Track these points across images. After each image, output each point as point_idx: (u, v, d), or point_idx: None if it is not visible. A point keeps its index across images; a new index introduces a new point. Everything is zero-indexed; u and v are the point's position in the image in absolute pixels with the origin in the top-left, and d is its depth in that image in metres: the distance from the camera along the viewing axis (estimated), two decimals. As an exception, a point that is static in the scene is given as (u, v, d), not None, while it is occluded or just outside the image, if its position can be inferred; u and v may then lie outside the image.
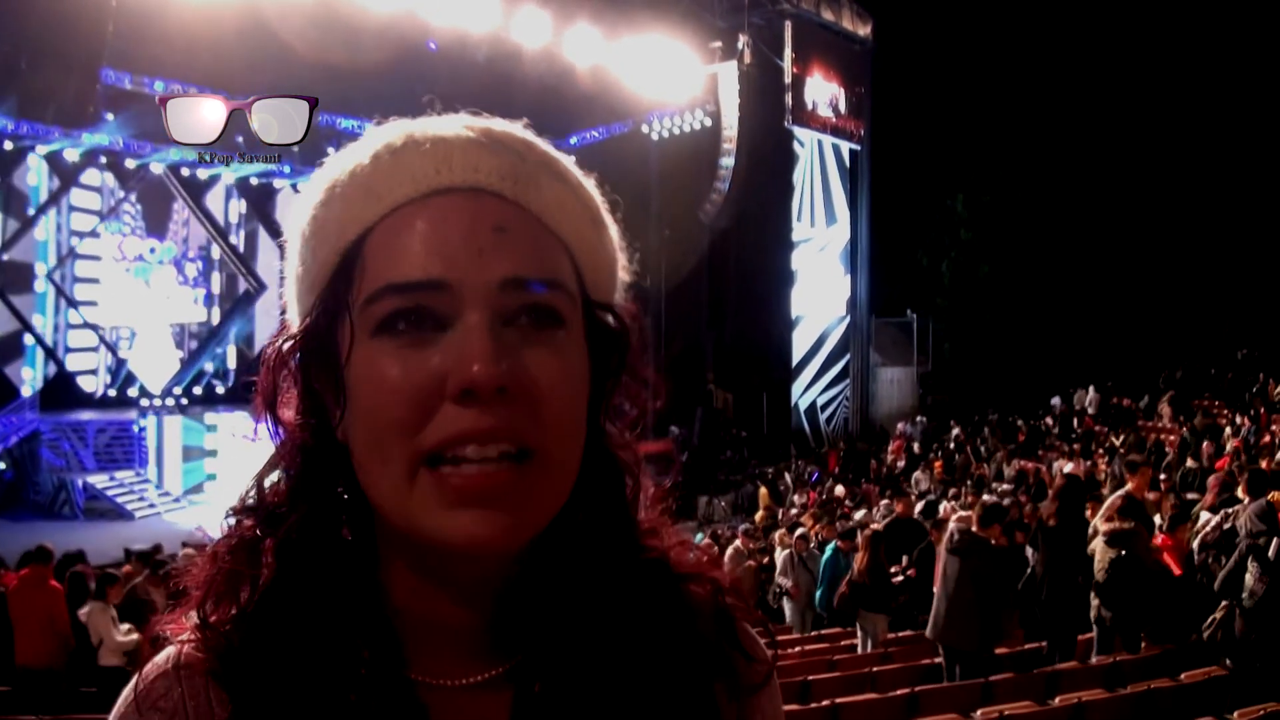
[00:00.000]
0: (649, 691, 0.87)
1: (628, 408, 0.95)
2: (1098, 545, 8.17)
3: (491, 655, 0.87)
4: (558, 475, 0.82)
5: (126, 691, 0.84)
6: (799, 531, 12.71)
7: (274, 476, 0.89)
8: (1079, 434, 23.45)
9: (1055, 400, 27.52)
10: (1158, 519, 9.39)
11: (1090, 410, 25.88)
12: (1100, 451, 20.85)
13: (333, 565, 0.85)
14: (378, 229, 0.82)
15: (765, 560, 13.61)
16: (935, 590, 8.23)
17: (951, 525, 8.50)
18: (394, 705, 0.83)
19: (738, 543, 13.53)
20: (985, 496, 10.64)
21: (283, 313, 0.90)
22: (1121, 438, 21.22)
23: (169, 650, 0.85)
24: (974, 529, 8.00)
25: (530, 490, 0.79)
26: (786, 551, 12.37)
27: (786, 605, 12.36)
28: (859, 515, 15.98)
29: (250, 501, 0.89)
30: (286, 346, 0.86)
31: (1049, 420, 26.34)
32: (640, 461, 0.95)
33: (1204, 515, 8.75)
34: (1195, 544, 8.52)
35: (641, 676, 0.87)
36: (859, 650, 10.19)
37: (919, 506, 13.67)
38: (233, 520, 0.89)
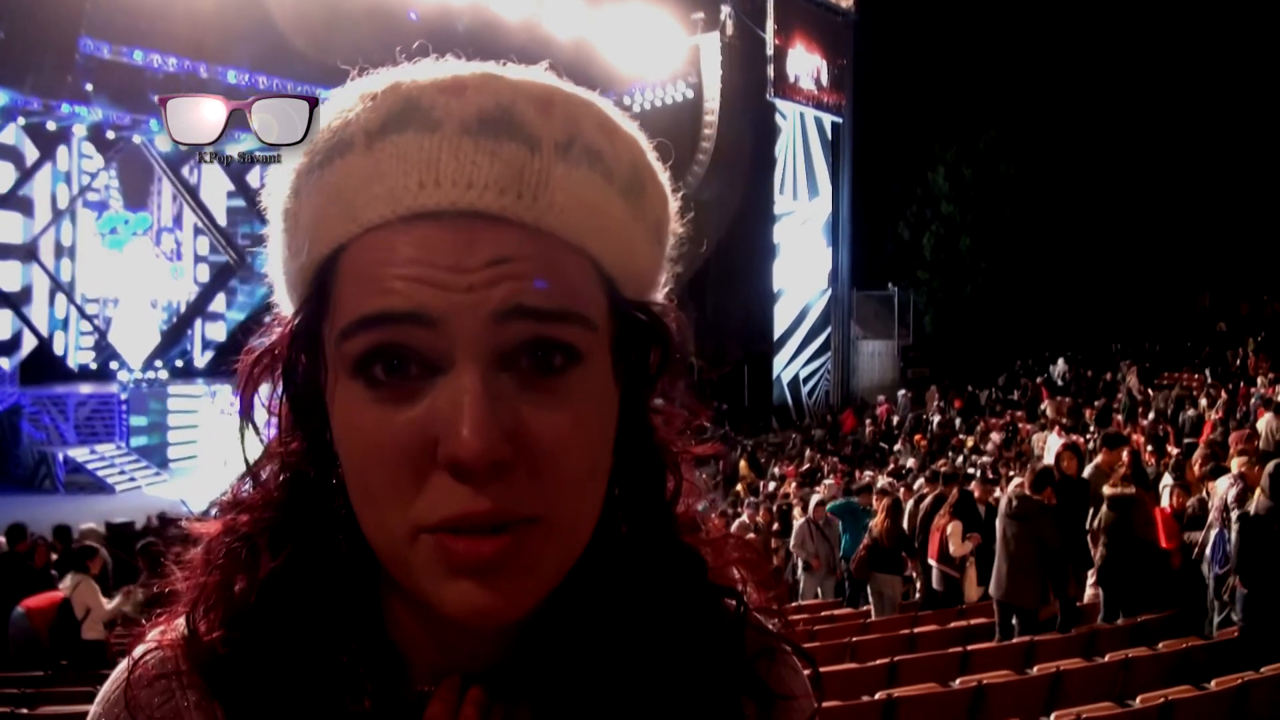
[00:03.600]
0: (666, 706, 0.80)
1: (674, 404, 0.85)
2: (1102, 511, 8.42)
3: (502, 674, 0.81)
4: (565, 538, 0.72)
5: (112, 694, 0.78)
6: (816, 499, 12.71)
7: (267, 472, 0.80)
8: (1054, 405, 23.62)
9: (1056, 364, 27.55)
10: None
11: (1059, 381, 26.06)
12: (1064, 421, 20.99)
13: (333, 579, 0.78)
14: (351, 249, 0.70)
15: (775, 526, 13.58)
16: (996, 552, 8.48)
17: (1009, 491, 8.81)
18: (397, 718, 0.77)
19: (744, 517, 13.53)
20: (1037, 464, 10.79)
21: (271, 293, 0.81)
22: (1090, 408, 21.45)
23: (157, 654, 0.78)
24: (1028, 493, 8.31)
25: (535, 557, 0.70)
26: (802, 522, 12.23)
27: (802, 577, 12.30)
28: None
29: (243, 497, 0.81)
30: (269, 353, 0.78)
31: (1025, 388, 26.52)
32: (684, 459, 0.86)
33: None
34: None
35: (659, 693, 0.80)
36: (873, 615, 10.34)
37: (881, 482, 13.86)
38: (222, 516, 0.81)
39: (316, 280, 0.73)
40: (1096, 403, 22.76)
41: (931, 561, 10.14)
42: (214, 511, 0.82)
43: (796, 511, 13.59)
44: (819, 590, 12.08)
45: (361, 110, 0.71)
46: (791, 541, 12.32)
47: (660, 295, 0.83)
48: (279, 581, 0.77)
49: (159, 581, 0.83)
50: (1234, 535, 7.35)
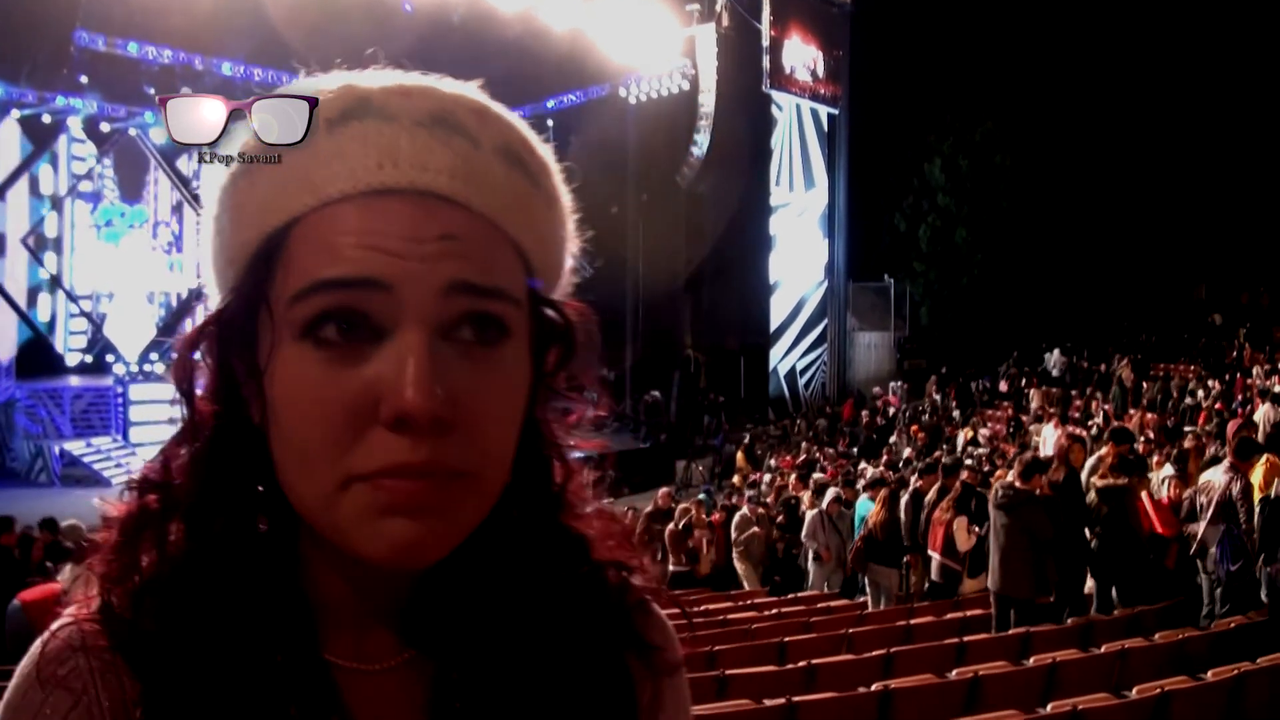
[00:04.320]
0: (561, 668, 0.86)
1: (570, 398, 0.92)
2: (1091, 499, 8.45)
3: (405, 640, 0.86)
4: (483, 494, 0.78)
5: (26, 668, 0.79)
6: (830, 494, 12.76)
7: (180, 453, 0.83)
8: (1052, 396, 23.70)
9: (1051, 355, 27.57)
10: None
11: (1055, 373, 26.12)
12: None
13: (245, 548, 0.81)
14: (307, 220, 0.75)
15: (780, 519, 13.57)
16: (989, 545, 8.51)
17: (999, 482, 8.89)
18: (308, 686, 0.80)
19: (744, 510, 13.54)
20: (1025, 454, 10.82)
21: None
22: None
23: (72, 627, 0.80)
24: (1017, 484, 8.29)
25: (457, 505, 0.76)
26: (815, 513, 12.32)
27: (811, 568, 12.38)
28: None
29: (154, 477, 0.84)
30: (204, 330, 0.81)
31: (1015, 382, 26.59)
32: (571, 449, 0.92)
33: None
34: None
35: (552, 654, 0.86)
36: (870, 607, 10.36)
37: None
38: (136, 495, 0.84)
39: (265, 251, 0.77)
40: (1086, 392, 22.88)
41: (933, 554, 10.15)
42: (125, 492, 0.85)
43: (806, 499, 13.62)
44: (826, 584, 12.11)
45: (319, 110, 0.77)
46: (804, 532, 12.40)
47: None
48: (188, 554, 0.81)
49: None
50: (1258, 522, 7.45)
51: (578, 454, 0.93)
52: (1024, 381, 25.77)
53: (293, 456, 0.76)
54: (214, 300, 0.83)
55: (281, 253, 0.76)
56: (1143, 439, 13.55)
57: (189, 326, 0.83)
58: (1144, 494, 9.03)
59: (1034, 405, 23.67)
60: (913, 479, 11.82)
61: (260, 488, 0.82)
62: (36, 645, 0.80)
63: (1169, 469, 10.13)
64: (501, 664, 0.85)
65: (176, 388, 0.83)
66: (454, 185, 0.76)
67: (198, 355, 0.82)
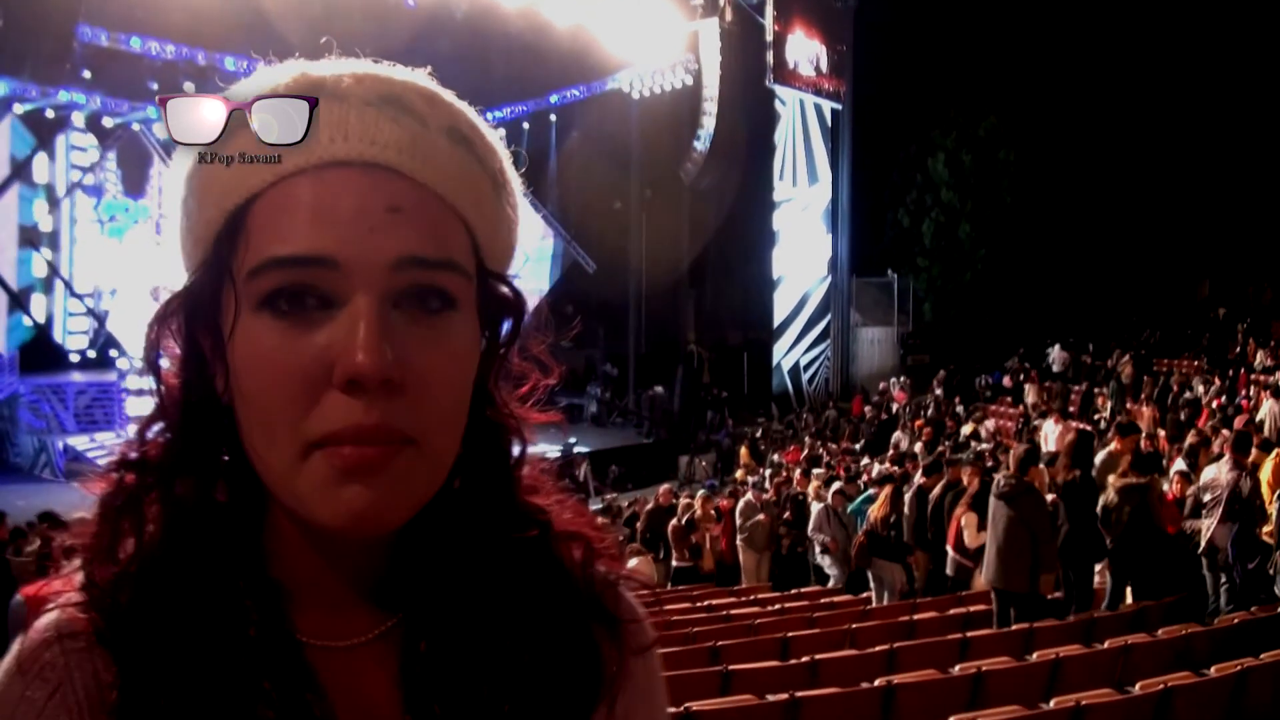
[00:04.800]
0: (527, 639, 0.88)
1: (519, 374, 0.94)
2: (1110, 498, 8.42)
3: (375, 615, 0.87)
4: (434, 462, 0.81)
5: (8, 660, 0.81)
6: (835, 486, 12.74)
7: (155, 433, 0.86)
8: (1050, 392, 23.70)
9: (1052, 350, 27.54)
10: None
11: (1056, 368, 26.08)
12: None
13: (216, 526, 0.83)
14: (265, 196, 0.78)
15: (786, 515, 13.56)
16: (988, 539, 8.48)
17: (998, 476, 8.83)
18: (281, 665, 0.81)
19: (749, 496, 13.51)
20: (1020, 444, 10.81)
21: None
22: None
23: (52, 615, 0.82)
24: (1015, 476, 8.29)
25: (407, 471, 0.78)
26: (821, 506, 12.35)
27: (825, 561, 12.39)
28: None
29: (132, 456, 0.86)
30: (171, 307, 0.84)
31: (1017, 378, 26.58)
32: (526, 426, 0.94)
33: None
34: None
35: (518, 625, 0.88)
36: (874, 602, 10.35)
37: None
38: (115, 474, 0.86)
39: (229, 228, 0.80)
40: (1079, 388, 22.87)
41: (949, 549, 10.12)
42: (106, 470, 0.87)
43: (811, 492, 13.62)
44: (839, 573, 12.14)
45: (277, 87, 0.80)
46: (810, 526, 12.43)
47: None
48: (164, 531, 0.83)
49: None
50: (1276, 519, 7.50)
51: (534, 428, 0.96)
52: (1022, 376, 25.74)
53: (256, 425, 0.79)
54: (180, 280, 0.85)
55: (242, 228, 0.79)
56: (1146, 437, 13.53)
57: (156, 309, 0.86)
58: (1165, 489, 9.05)
59: (1030, 400, 23.71)
60: (916, 475, 11.82)
61: (226, 458, 0.84)
62: (20, 637, 0.82)
63: (1181, 464, 10.14)
64: (468, 635, 0.87)
65: (145, 364, 0.85)
66: (401, 159, 0.79)
67: (167, 332, 0.85)
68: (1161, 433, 15.79)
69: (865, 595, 11.04)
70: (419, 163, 0.79)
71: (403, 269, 0.77)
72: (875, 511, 10.92)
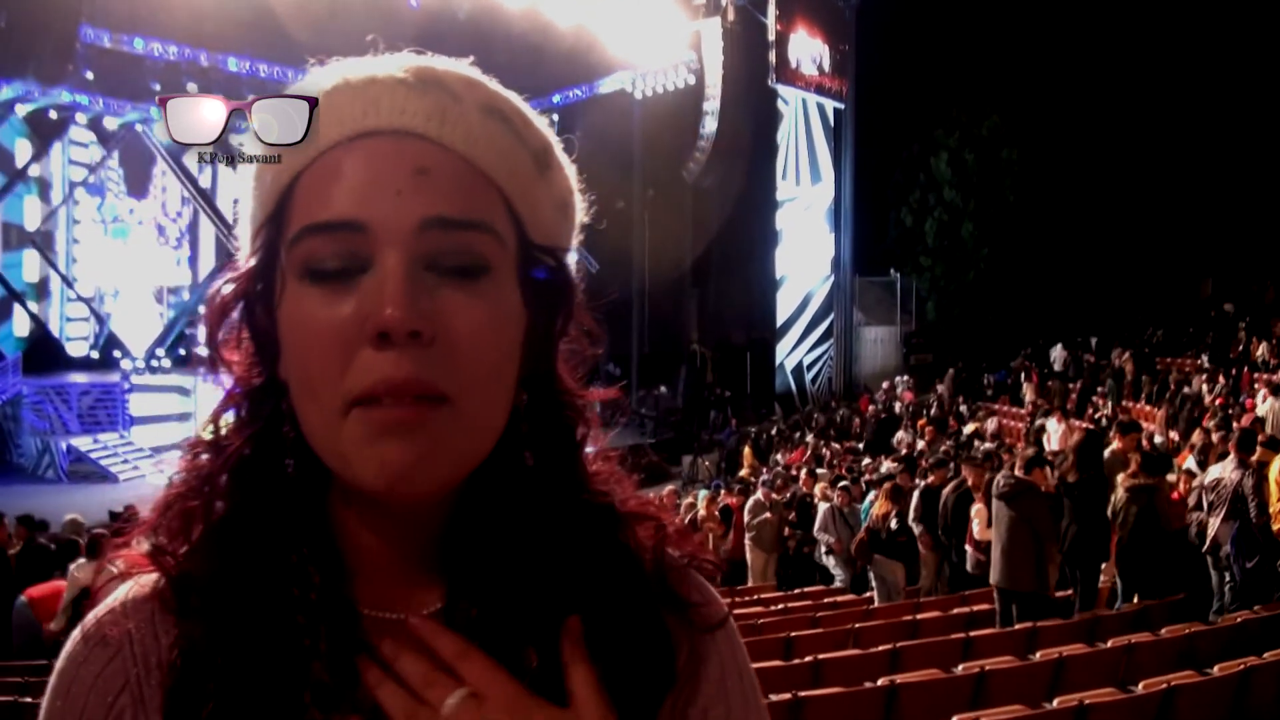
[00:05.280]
0: (593, 622, 0.87)
1: (577, 351, 0.95)
2: (1119, 497, 8.41)
3: (436, 589, 0.88)
4: (470, 422, 0.81)
5: (74, 632, 0.86)
6: (840, 484, 12.71)
7: (228, 415, 0.90)
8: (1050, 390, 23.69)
9: (1054, 349, 27.54)
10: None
11: (1058, 368, 26.08)
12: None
13: (282, 500, 0.86)
14: (307, 172, 0.82)
15: (791, 516, 13.54)
16: (991, 538, 8.49)
17: (999, 475, 8.77)
18: (341, 635, 0.83)
19: (759, 494, 13.48)
20: (1027, 449, 10.75)
21: (235, 253, 0.91)
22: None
23: (122, 586, 0.88)
24: (1019, 475, 8.29)
25: (442, 432, 0.79)
26: (827, 506, 12.32)
27: (831, 561, 12.37)
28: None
29: (205, 436, 0.90)
30: (228, 289, 0.87)
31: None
32: (589, 407, 0.95)
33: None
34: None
35: (583, 608, 0.87)
36: (876, 601, 10.33)
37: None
38: (189, 455, 0.90)
39: (277, 206, 0.84)
40: (1076, 386, 22.85)
41: (968, 546, 10.09)
42: (180, 453, 0.91)
43: (818, 492, 13.59)
44: (843, 573, 12.12)
45: (319, 83, 0.84)
46: (816, 526, 12.41)
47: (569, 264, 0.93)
48: (231, 507, 0.87)
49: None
50: None
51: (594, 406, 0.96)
52: (1023, 375, 25.75)
53: (303, 390, 0.81)
54: (241, 264, 0.88)
55: (288, 205, 0.83)
56: (1146, 438, 13.51)
57: (213, 294, 0.89)
58: (1174, 493, 9.03)
59: (1028, 398, 23.71)
60: (924, 474, 11.78)
61: (292, 434, 0.86)
62: (99, 606, 0.87)
63: (1191, 462, 10.13)
64: (530, 615, 0.86)
65: (209, 348, 0.89)
66: (429, 125, 0.81)
67: (228, 315, 0.88)
68: (1174, 433, 15.81)
69: (868, 595, 11.03)
70: (448, 128, 0.82)
71: (430, 229, 0.79)
72: (875, 509, 10.91)
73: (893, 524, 10.83)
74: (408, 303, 0.76)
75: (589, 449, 0.95)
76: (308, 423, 0.82)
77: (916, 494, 10.98)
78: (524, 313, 0.86)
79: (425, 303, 0.77)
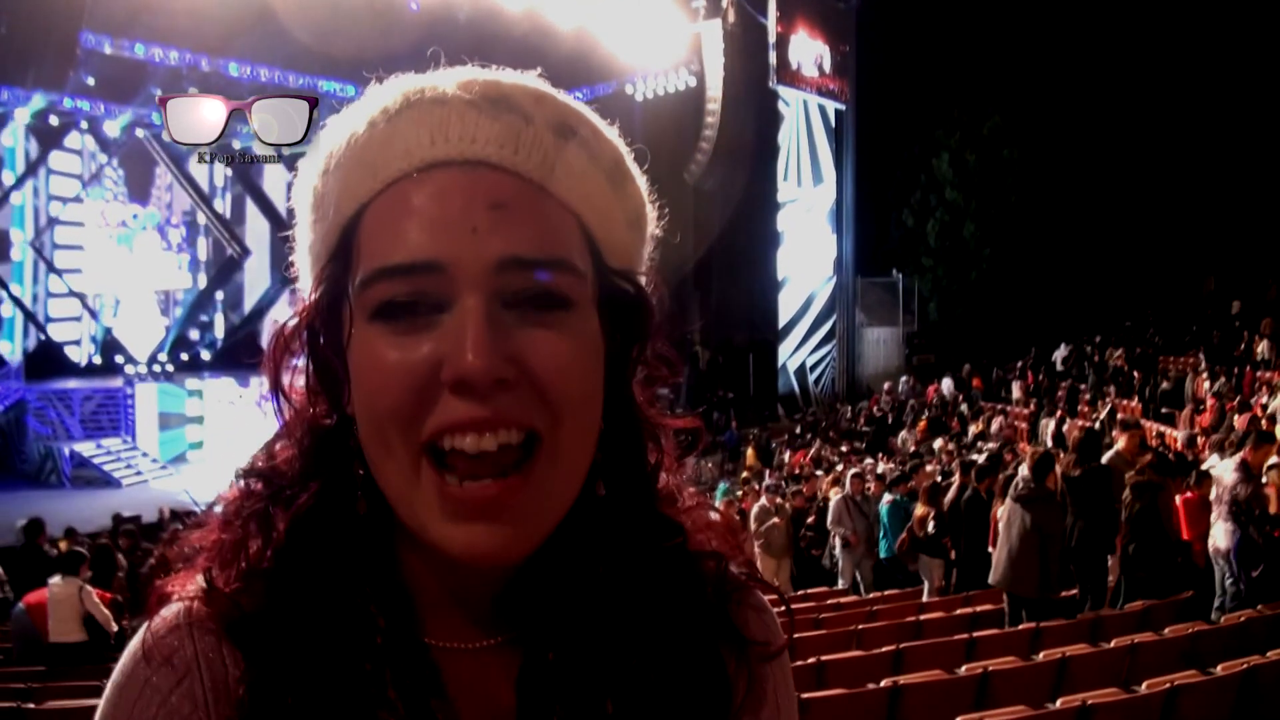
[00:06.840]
0: (652, 656, 0.86)
1: (654, 375, 0.93)
2: (1127, 494, 8.41)
3: (502, 620, 0.87)
4: (568, 464, 0.80)
5: (134, 645, 0.82)
6: (852, 472, 12.65)
7: (284, 445, 0.87)
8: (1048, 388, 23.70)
9: (1058, 352, 27.53)
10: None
11: (1060, 367, 26.09)
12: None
13: (347, 534, 0.84)
14: (373, 206, 0.79)
15: (812, 519, 13.48)
16: (999, 540, 8.45)
17: (1018, 477, 8.70)
18: (407, 666, 0.82)
19: (763, 500, 13.44)
20: (1037, 450, 10.70)
21: (295, 281, 0.89)
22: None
23: (177, 606, 0.84)
24: (1034, 480, 8.24)
25: (536, 494, 0.77)
26: (839, 498, 12.23)
27: (840, 555, 12.27)
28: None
29: (261, 465, 0.87)
30: (293, 323, 0.84)
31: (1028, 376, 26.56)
32: (664, 430, 0.93)
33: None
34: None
35: (645, 642, 0.86)
36: (925, 596, 10.60)
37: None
38: (241, 483, 0.88)
39: (342, 240, 0.81)
40: (1065, 384, 22.87)
41: (990, 549, 10.06)
42: (235, 479, 0.89)
43: (825, 483, 13.54)
44: (858, 573, 12.04)
45: (380, 104, 0.81)
46: (829, 518, 12.31)
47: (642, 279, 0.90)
48: (292, 538, 0.84)
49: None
50: None
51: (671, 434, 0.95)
52: (1015, 375, 25.80)
53: (373, 435, 0.79)
54: (305, 295, 0.86)
55: (355, 241, 0.80)
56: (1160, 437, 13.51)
57: (277, 326, 0.86)
58: (1177, 496, 8.96)
59: (1015, 396, 23.74)
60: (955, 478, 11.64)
61: (361, 472, 0.84)
62: (145, 625, 0.84)
63: (1213, 459, 10.11)
64: (594, 648, 0.85)
65: (269, 382, 0.86)
66: (502, 154, 0.78)
67: (291, 348, 0.86)
68: (1174, 432, 15.80)
69: (873, 596, 11.02)
70: (522, 156, 0.79)
71: (508, 271, 0.76)
72: (919, 511, 10.96)
73: (930, 526, 10.80)
74: (489, 349, 0.74)
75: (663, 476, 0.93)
76: (378, 466, 0.80)
77: (966, 496, 10.68)
78: (604, 343, 0.84)
79: (507, 347, 0.75)
